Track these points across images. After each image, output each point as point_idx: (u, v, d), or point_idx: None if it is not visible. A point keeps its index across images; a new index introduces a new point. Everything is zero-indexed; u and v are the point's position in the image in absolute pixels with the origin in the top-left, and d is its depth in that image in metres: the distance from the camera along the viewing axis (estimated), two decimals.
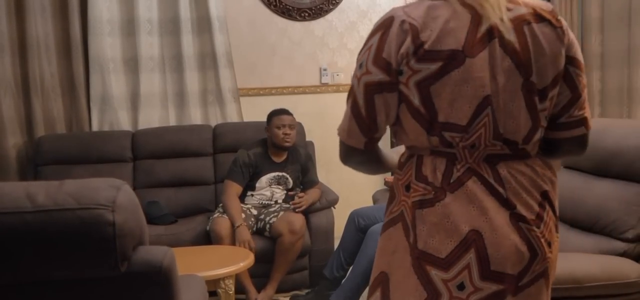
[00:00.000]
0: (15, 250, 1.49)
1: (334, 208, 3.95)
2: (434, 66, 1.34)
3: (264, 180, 3.88)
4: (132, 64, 4.52)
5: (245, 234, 3.57)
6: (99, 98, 4.46)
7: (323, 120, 4.71)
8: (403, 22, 1.36)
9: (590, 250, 2.57)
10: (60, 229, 1.47)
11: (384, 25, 1.40)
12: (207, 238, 3.72)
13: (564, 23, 1.42)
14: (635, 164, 2.52)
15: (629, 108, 4.14)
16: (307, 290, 3.77)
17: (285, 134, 3.79)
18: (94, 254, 1.51)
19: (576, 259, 2.46)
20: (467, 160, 1.39)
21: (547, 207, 1.43)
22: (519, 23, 1.36)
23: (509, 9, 1.37)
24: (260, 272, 3.60)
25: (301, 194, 3.88)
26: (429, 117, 1.38)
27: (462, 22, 1.34)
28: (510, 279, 1.37)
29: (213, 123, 4.55)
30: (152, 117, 4.55)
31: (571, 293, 2.26)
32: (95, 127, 4.47)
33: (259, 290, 3.61)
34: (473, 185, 1.37)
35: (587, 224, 2.68)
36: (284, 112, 3.88)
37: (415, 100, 1.37)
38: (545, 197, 1.43)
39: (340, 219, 3.82)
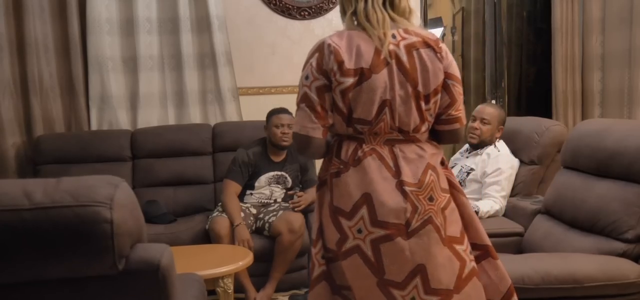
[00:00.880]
0: (13, 248, 1.49)
1: None
2: (351, 79, 1.90)
3: (263, 179, 3.87)
4: (131, 64, 4.51)
5: (244, 233, 3.57)
6: (98, 97, 4.46)
7: None
8: (329, 45, 1.92)
9: (589, 250, 2.56)
10: (58, 227, 1.47)
11: (319, 49, 1.95)
12: (206, 237, 3.71)
13: (444, 48, 1.99)
14: (635, 164, 2.52)
15: (629, 109, 4.13)
16: (306, 290, 3.76)
17: (284, 133, 3.79)
18: (92, 251, 1.50)
19: (576, 259, 2.46)
20: (371, 144, 1.96)
21: (430, 173, 1.95)
22: (410, 49, 1.93)
23: (404, 38, 1.94)
24: (260, 271, 3.60)
25: (300, 193, 3.88)
26: (347, 114, 1.95)
27: (369, 48, 1.92)
28: (396, 226, 1.90)
29: (212, 122, 4.54)
30: (152, 117, 4.55)
31: (571, 293, 2.26)
32: (94, 127, 4.47)
33: (258, 289, 3.61)
34: (371, 161, 1.94)
35: (587, 224, 2.68)
36: (283, 111, 3.87)
37: (340, 103, 1.94)
38: (429, 167, 1.96)
39: None
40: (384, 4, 1.96)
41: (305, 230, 3.70)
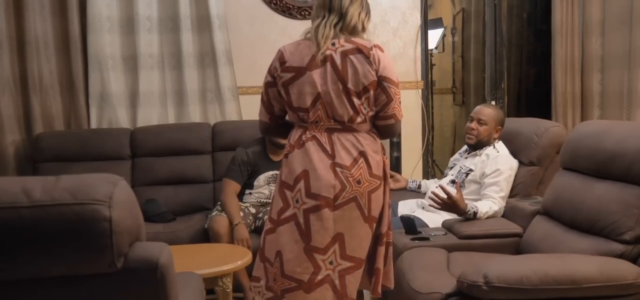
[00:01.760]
0: (11, 246, 1.49)
1: None
2: (289, 75, 2.41)
3: (262, 178, 3.87)
4: (131, 62, 4.51)
5: (243, 232, 3.57)
6: (97, 95, 4.45)
7: None
8: (279, 50, 2.48)
9: (588, 251, 2.56)
10: (57, 225, 1.47)
11: (276, 53, 2.49)
12: (206, 236, 3.71)
13: (377, 55, 2.38)
14: (634, 166, 2.52)
15: (628, 110, 4.14)
16: None
17: None
18: (90, 249, 1.50)
19: (574, 260, 2.46)
20: (313, 131, 2.42)
21: (361, 160, 2.38)
22: (344, 54, 2.38)
23: (342, 46, 2.39)
24: None
25: None
26: (289, 103, 2.44)
27: (309, 52, 2.40)
28: (325, 199, 2.35)
29: (212, 121, 4.54)
30: (151, 115, 4.55)
31: (569, 294, 2.25)
32: (93, 125, 4.47)
33: None
34: (311, 144, 2.39)
35: (585, 225, 2.68)
36: None
37: (283, 94, 2.45)
38: (362, 154, 2.39)
39: None
40: (335, 24, 2.42)
41: None
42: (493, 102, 5.00)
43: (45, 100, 4.31)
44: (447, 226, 3.24)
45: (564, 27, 4.64)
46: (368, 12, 2.52)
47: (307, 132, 2.42)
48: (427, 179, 4.67)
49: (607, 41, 4.42)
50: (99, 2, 4.36)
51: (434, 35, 6.19)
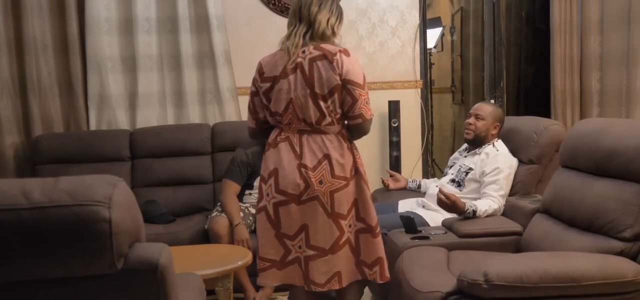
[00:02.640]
0: (11, 247, 1.49)
1: None
2: (268, 84, 2.65)
3: None
4: (130, 63, 4.51)
5: (243, 232, 3.57)
6: (96, 97, 4.45)
7: None
8: (259, 63, 2.72)
9: (587, 249, 2.57)
10: (56, 226, 1.47)
11: (257, 65, 2.73)
12: (206, 237, 3.71)
13: (339, 59, 2.57)
14: (633, 163, 2.52)
15: (627, 109, 4.14)
16: None
17: None
18: (90, 250, 1.50)
19: (574, 258, 2.46)
20: (287, 132, 2.66)
21: (325, 162, 2.61)
22: (311, 61, 2.58)
23: (311, 53, 2.58)
24: None
25: None
26: (269, 109, 2.67)
27: (282, 61, 2.62)
28: (292, 196, 2.63)
29: (211, 122, 4.54)
30: (150, 116, 4.54)
31: (569, 292, 2.25)
32: (93, 127, 4.47)
33: (257, 289, 3.61)
34: (283, 144, 2.65)
35: (585, 223, 2.68)
36: None
37: (264, 101, 2.69)
38: (326, 157, 2.61)
39: None
40: (304, 33, 2.62)
41: None
42: (492, 101, 5.00)
43: (44, 102, 4.30)
44: (447, 225, 3.24)
45: (562, 25, 4.64)
46: (338, 17, 2.70)
47: (282, 133, 2.67)
48: (427, 178, 4.67)
49: (605, 40, 4.42)
50: (97, 3, 4.36)
51: (433, 35, 6.19)
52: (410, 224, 3.15)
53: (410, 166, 4.91)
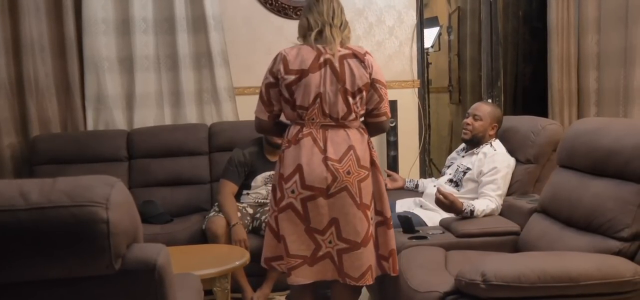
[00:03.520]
0: (9, 248, 1.48)
1: None
2: (293, 77, 2.65)
3: (260, 179, 3.87)
4: (127, 63, 4.50)
5: (241, 232, 3.57)
6: (94, 97, 4.45)
7: None
8: (281, 54, 2.70)
9: (585, 248, 2.57)
10: (54, 227, 1.47)
11: (274, 58, 2.73)
12: (203, 237, 3.71)
13: (369, 60, 2.71)
14: (631, 163, 2.52)
15: (624, 108, 4.14)
16: None
17: None
18: (88, 251, 1.50)
19: (572, 257, 2.46)
20: (310, 127, 2.68)
21: (351, 153, 2.65)
22: (342, 59, 2.67)
23: (339, 51, 2.67)
24: (256, 271, 3.57)
25: None
26: (292, 102, 2.67)
27: (310, 56, 2.66)
28: (319, 190, 2.63)
29: (209, 122, 4.54)
30: (148, 117, 4.54)
31: (566, 291, 2.26)
32: (90, 127, 4.46)
33: (255, 288, 3.61)
34: (306, 140, 2.66)
35: (583, 222, 2.68)
36: None
37: (286, 94, 2.68)
38: (351, 149, 2.66)
39: None
40: (338, 30, 2.71)
41: None
42: (490, 100, 5.01)
43: (41, 103, 4.30)
44: (444, 225, 3.24)
45: (560, 24, 4.64)
46: (348, 24, 2.84)
47: (304, 129, 2.67)
48: (424, 178, 4.68)
49: (603, 39, 4.42)
50: (94, 4, 4.35)
51: (430, 34, 6.18)
52: (408, 223, 3.15)
53: (408, 166, 4.92)
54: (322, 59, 2.65)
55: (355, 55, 2.70)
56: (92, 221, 1.47)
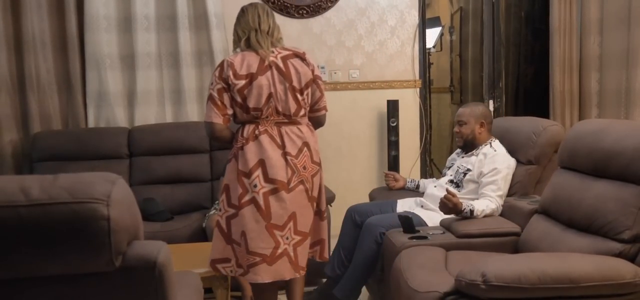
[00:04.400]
0: (9, 244, 1.48)
1: (330, 206, 3.95)
2: (243, 81, 2.77)
3: None
4: (129, 61, 4.50)
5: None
6: (95, 94, 4.45)
7: None
8: (228, 61, 2.80)
9: (586, 250, 2.56)
10: (55, 223, 1.47)
11: (221, 64, 2.83)
12: (204, 235, 3.71)
13: (308, 58, 2.90)
14: (632, 165, 2.52)
15: (626, 109, 4.14)
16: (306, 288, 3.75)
17: None
18: (89, 248, 1.50)
19: (572, 259, 2.46)
20: (265, 126, 2.80)
21: (305, 149, 2.84)
22: (285, 59, 2.85)
23: (280, 53, 2.85)
24: None
25: None
26: (244, 105, 2.79)
27: (255, 60, 2.80)
28: (281, 183, 2.77)
29: None
30: (149, 114, 4.54)
31: (567, 293, 2.25)
32: (91, 124, 4.47)
33: None
34: (263, 137, 2.78)
35: (583, 224, 2.68)
36: None
37: (238, 98, 2.78)
38: (305, 144, 2.84)
39: (337, 217, 3.81)
40: (266, 34, 2.87)
41: None
42: (491, 101, 5.01)
43: (42, 99, 4.30)
44: (445, 225, 3.24)
45: (562, 26, 4.64)
46: (277, 26, 2.99)
47: (260, 127, 2.80)
48: (425, 178, 4.67)
49: (605, 40, 4.42)
50: (96, 1, 4.35)
51: (432, 34, 6.19)
52: (409, 223, 3.15)
53: (409, 166, 4.91)
54: (266, 62, 2.80)
55: (296, 55, 2.89)
56: (93, 218, 1.47)
